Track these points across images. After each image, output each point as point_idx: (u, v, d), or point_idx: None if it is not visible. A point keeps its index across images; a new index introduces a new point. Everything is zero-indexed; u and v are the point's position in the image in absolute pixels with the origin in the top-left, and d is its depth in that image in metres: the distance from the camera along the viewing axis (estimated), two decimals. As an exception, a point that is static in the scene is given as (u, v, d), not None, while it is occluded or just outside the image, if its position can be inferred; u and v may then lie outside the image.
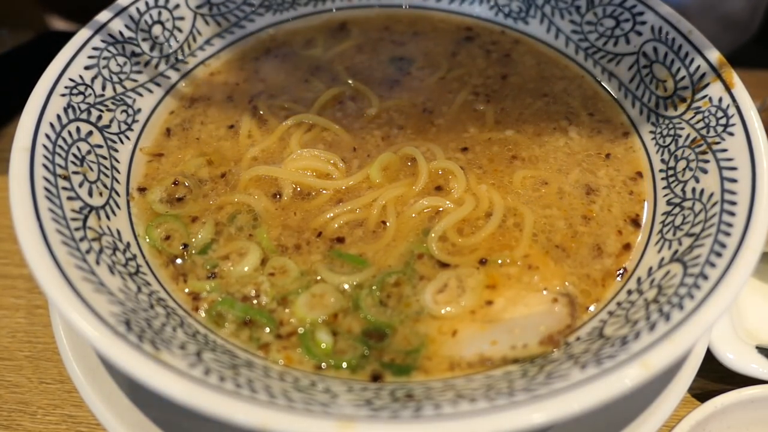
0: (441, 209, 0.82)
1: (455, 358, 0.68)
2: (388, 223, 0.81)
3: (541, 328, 0.69)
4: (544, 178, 0.87)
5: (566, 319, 0.71)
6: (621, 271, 0.77)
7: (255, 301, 0.73)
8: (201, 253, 0.78)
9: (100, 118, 0.84)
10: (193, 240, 0.79)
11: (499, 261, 0.77)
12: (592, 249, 0.79)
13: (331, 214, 0.81)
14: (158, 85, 0.95)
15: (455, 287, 0.74)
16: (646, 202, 0.84)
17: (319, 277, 0.75)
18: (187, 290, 0.74)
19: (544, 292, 0.73)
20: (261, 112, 0.95)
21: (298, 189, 0.85)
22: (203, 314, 0.72)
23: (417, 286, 0.75)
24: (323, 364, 0.68)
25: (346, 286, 0.74)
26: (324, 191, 0.85)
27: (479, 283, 0.74)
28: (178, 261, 0.77)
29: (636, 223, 0.82)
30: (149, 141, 0.91)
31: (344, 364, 0.67)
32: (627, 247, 0.79)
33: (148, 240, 0.78)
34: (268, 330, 0.71)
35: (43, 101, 0.77)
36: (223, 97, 0.99)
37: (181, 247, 0.78)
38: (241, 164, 0.88)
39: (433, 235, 0.78)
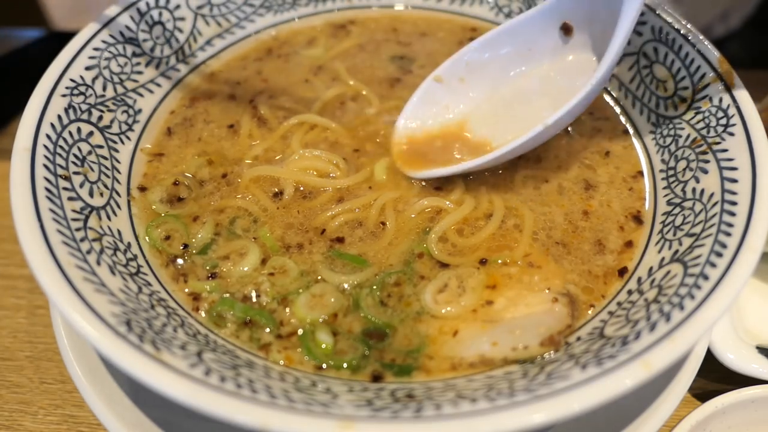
0: (441, 210, 0.82)
1: (456, 358, 0.68)
2: (387, 224, 0.81)
3: (541, 329, 0.69)
4: (545, 176, 0.87)
5: (566, 319, 0.71)
6: (622, 271, 0.77)
7: (255, 301, 0.73)
8: (201, 254, 0.78)
9: (100, 118, 0.84)
10: (193, 240, 0.79)
11: (500, 261, 0.77)
12: (593, 245, 0.80)
13: (332, 212, 0.81)
14: (159, 85, 0.95)
15: (456, 287, 0.74)
16: (646, 199, 0.84)
17: (319, 277, 0.75)
18: (187, 290, 0.74)
19: (546, 292, 0.73)
20: (261, 112, 0.95)
21: (300, 188, 0.85)
22: (203, 315, 0.72)
23: (418, 285, 0.75)
24: (324, 364, 0.68)
25: (346, 286, 0.74)
26: (325, 189, 0.85)
27: (480, 283, 0.74)
28: (179, 261, 0.77)
29: (638, 219, 0.82)
30: (150, 141, 0.91)
31: (344, 365, 0.67)
32: (629, 244, 0.80)
33: (148, 240, 0.78)
34: (268, 330, 0.71)
35: (44, 101, 0.77)
36: (224, 96, 0.99)
37: (181, 248, 0.78)
38: (243, 164, 0.88)
39: (432, 236, 0.79)
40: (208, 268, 0.76)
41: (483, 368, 0.67)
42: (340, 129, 0.92)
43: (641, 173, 0.87)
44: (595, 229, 0.81)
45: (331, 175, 0.86)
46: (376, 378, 0.67)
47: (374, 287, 0.74)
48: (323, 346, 0.69)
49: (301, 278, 0.75)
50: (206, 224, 0.80)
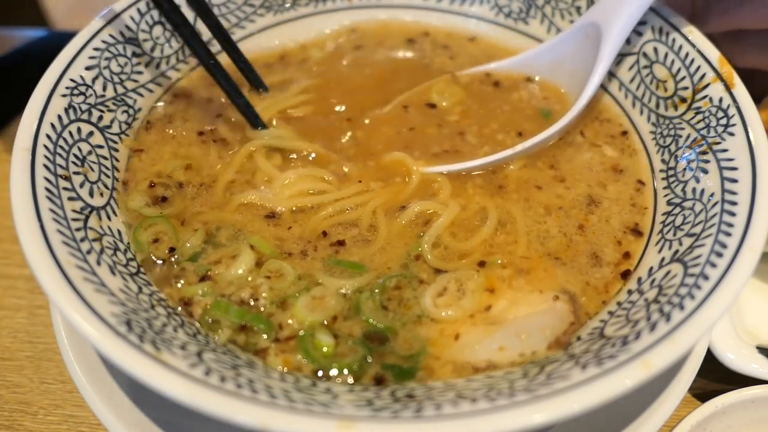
0: (433, 212, 0.82)
1: (461, 362, 0.67)
2: (379, 227, 0.80)
3: (546, 332, 0.68)
4: (539, 180, 0.87)
5: (569, 316, 0.71)
6: (624, 273, 0.77)
7: (253, 305, 0.72)
8: (191, 261, 0.76)
9: (101, 118, 0.84)
10: (182, 248, 0.77)
11: (499, 261, 0.76)
12: (590, 256, 0.79)
13: (324, 214, 0.81)
14: (159, 85, 0.95)
15: (455, 290, 0.73)
16: (648, 207, 0.84)
17: (319, 281, 0.74)
18: (178, 296, 0.72)
19: (545, 291, 0.73)
20: (221, 133, 0.93)
21: (294, 208, 0.83)
22: (197, 321, 0.70)
23: (417, 289, 0.74)
24: (323, 369, 0.66)
25: (345, 291, 0.74)
26: (324, 204, 0.83)
27: (479, 285, 0.74)
28: (169, 265, 0.75)
29: (637, 231, 0.82)
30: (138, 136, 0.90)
31: (345, 370, 0.66)
32: (627, 255, 0.79)
33: (134, 246, 0.76)
34: (265, 336, 0.69)
35: (44, 102, 0.76)
36: (203, 99, 0.97)
37: (167, 251, 0.76)
38: (221, 183, 0.85)
39: (425, 243, 0.78)
40: (199, 274, 0.74)
41: (489, 372, 0.67)
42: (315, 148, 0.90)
43: (642, 182, 0.87)
44: (593, 235, 0.81)
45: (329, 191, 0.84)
46: (379, 381, 0.66)
47: (375, 291, 0.73)
48: (324, 349, 0.68)
49: (298, 282, 0.74)
50: (198, 232, 0.78)
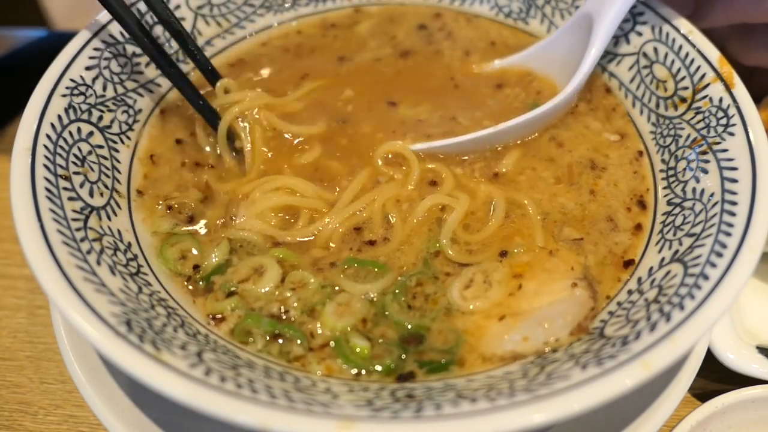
0: (443, 205, 0.82)
1: (487, 354, 0.68)
2: (394, 223, 0.81)
3: (568, 318, 0.69)
4: (542, 151, 0.89)
5: (589, 302, 0.71)
6: (628, 262, 0.78)
7: (284, 317, 0.72)
8: (219, 274, 0.76)
9: (101, 118, 0.84)
10: (206, 263, 0.77)
11: (515, 250, 0.77)
12: (604, 222, 0.81)
13: (337, 224, 0.81)
14: (159, 85, 0.95)
15: (482, 282, 0.74)
16: (649, 188, 0.85)
17: (337, 288, 0.74)
18: (207, 312, 0.73)
19: (565, 277, 0.74)
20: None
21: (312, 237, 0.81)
22: (228, 334, 0.70)
23: (445, 282, 0.75)
24: (363, 369, 0.67)
25: (371, 295, 0.74)
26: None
27: (505, 275, 0.74)
28: (196, 281, 0.76)
29: (643, 204, 0.83)
30: (148, 141, 0.90)
31: (380, 368, 0.67)
32: (639, 227, 0.81)
33: (162, 263, 0.76)
34: (299, 342, 0.69)
35: (44, 102, 0.76)
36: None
37: (192, 267, 0.77)
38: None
39: (444, 239, 0.78)
40: (226, 290, 0.74)
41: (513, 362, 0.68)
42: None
43: (639, 155, 0.88)
44: (604, 208, 0.83)
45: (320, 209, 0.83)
46: (408, 377, 0.66)
47: (397, 291, 0.74)
48: (357, 350, 0.68)
49: (322, 290, 0.74)
50: (221, 244, 0.78)
